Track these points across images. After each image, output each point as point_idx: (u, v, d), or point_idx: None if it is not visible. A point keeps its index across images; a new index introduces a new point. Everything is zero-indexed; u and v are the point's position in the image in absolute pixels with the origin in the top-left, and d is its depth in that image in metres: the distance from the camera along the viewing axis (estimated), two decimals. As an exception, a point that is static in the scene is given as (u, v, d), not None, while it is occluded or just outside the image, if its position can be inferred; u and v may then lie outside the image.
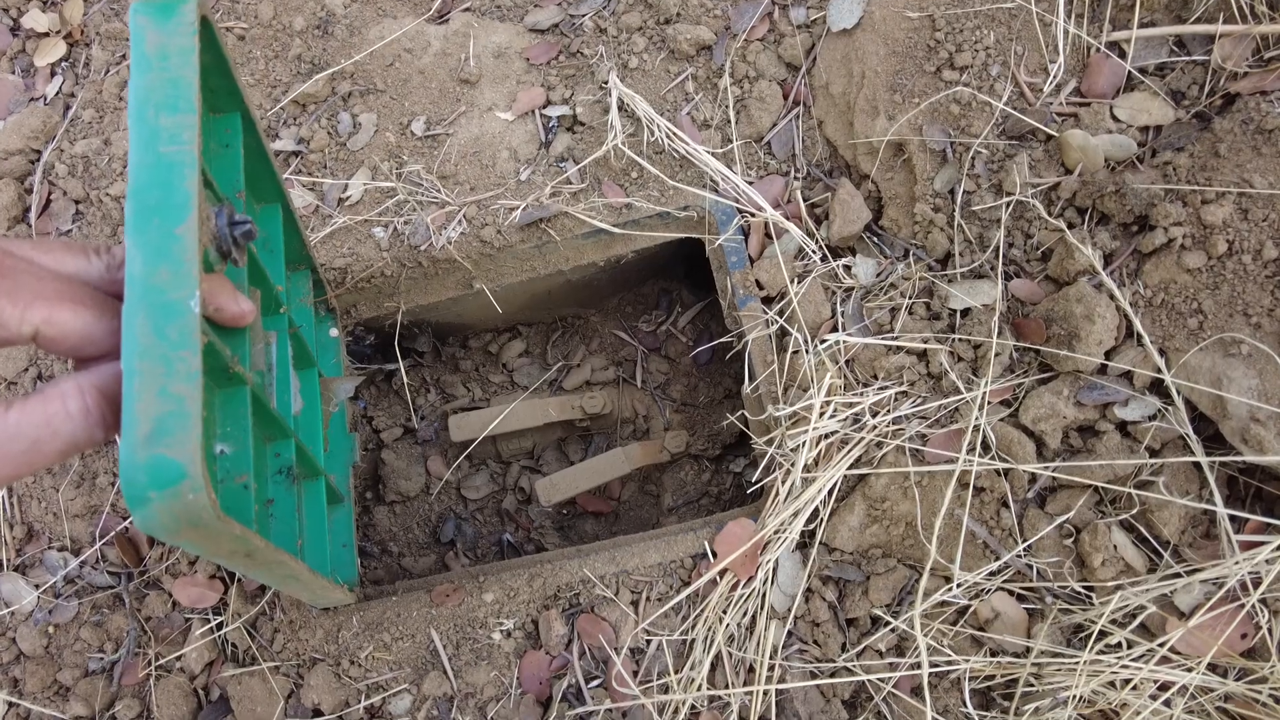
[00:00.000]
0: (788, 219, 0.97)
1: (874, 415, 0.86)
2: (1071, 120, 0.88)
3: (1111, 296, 0.79)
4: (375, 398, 1.31)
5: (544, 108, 1.08)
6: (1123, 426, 0.79)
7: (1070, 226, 0.84)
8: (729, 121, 1.03)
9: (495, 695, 0.89)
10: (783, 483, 0.87)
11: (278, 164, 1.14)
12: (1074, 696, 0.74)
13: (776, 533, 0.86)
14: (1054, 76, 0.90)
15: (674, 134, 1.01)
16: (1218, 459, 0.74)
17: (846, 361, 0.89)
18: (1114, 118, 0.87)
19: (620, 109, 1.03)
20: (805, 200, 0.98)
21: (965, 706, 0.79)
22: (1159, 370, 0.76)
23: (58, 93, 1.24)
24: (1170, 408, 0.76)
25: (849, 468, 0.85)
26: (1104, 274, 0.80)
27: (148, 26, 0.52)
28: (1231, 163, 0.78)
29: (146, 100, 0.50)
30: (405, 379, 1.21)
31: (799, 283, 0.93)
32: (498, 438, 1.26)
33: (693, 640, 0.87)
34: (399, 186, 1.07)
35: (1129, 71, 0.88)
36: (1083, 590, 0.77)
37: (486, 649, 0.90)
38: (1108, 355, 0.79)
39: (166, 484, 0.42)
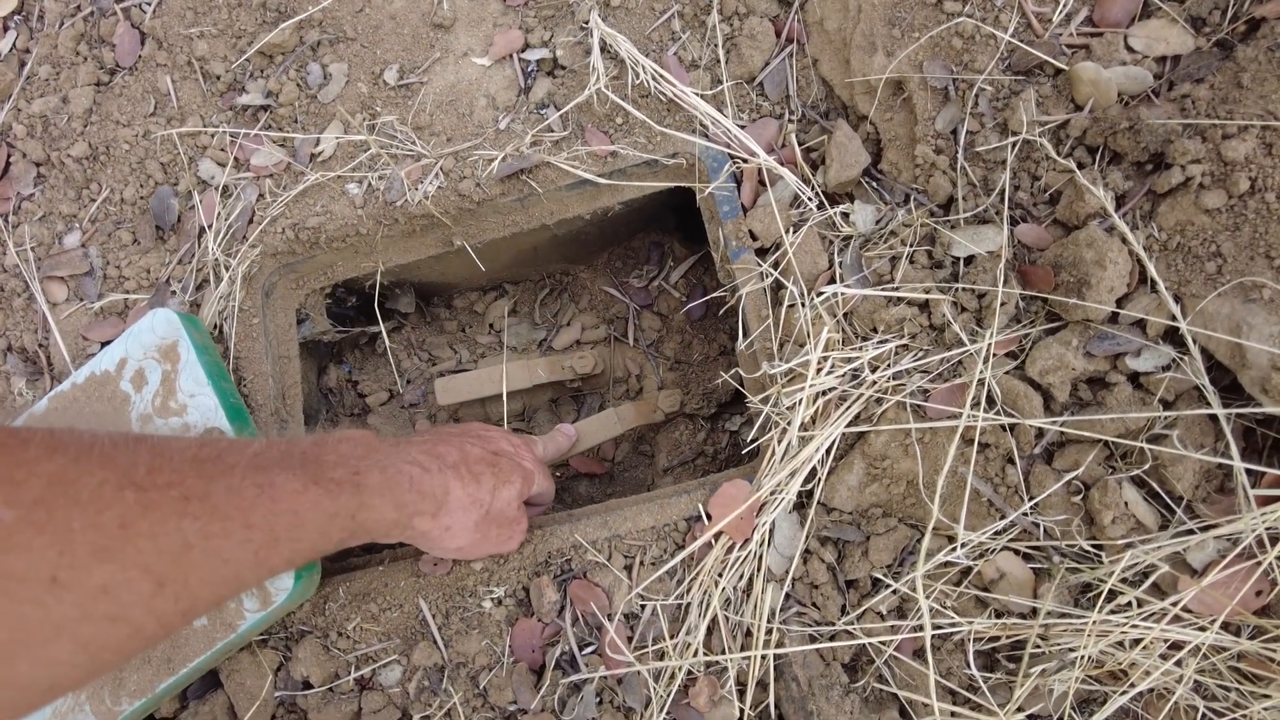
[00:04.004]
0: (782, 164, 0.92)
1: (873, 370, 0.82)
2: (1082, 52, 0.83)
3: (1124, 240, 0.75)
4: (359, 361, 1.27)
5: (522, 51, 1.02)
6: (1135, 378, 0.75)
7: (1080, 167, 0.79)
8: (718, 61, 0.97)
9: (487, 664, 0.87)
10: (779, 442, 0.84)
11: (246, 119, 1.08)
12: (1082, 657, 0.71)
13: (773, 493, 0.83)
14: (1064, 5, 0.84)
15: (660, 76, 0.95)
16: (1235, 410, 0.70)
17: (845, 314, 0.85)
18: (1128, 48, 0.81)
19: (603, 50, 0.97)
20: (800, 144, 0.93)
21: (969, 668, 0.76)
22: (1174, 318, 0.72)
23: (11, 48, 1.18)
24: (1185, 357, 0.72)
25: (847, 425, 0.82)
26: (1116, 216, 0.76)
27: None
28: (1255, 94, 0.73)
29: None
30: (388, 342, 1.17)
31: (794, 232, 0.89)
32: (486, 400, 1.22)
33: (688, 605, 0.84)
34: (372, 140, 1.01)
35: (1145, -3, 0.82)
36: (1092, 549, 0.74)
37: (477, 617, 0.88)
38: (1119, 303, 0.75)
39: None
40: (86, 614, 0.37)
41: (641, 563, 0.87)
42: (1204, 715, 0.71)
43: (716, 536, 0.84)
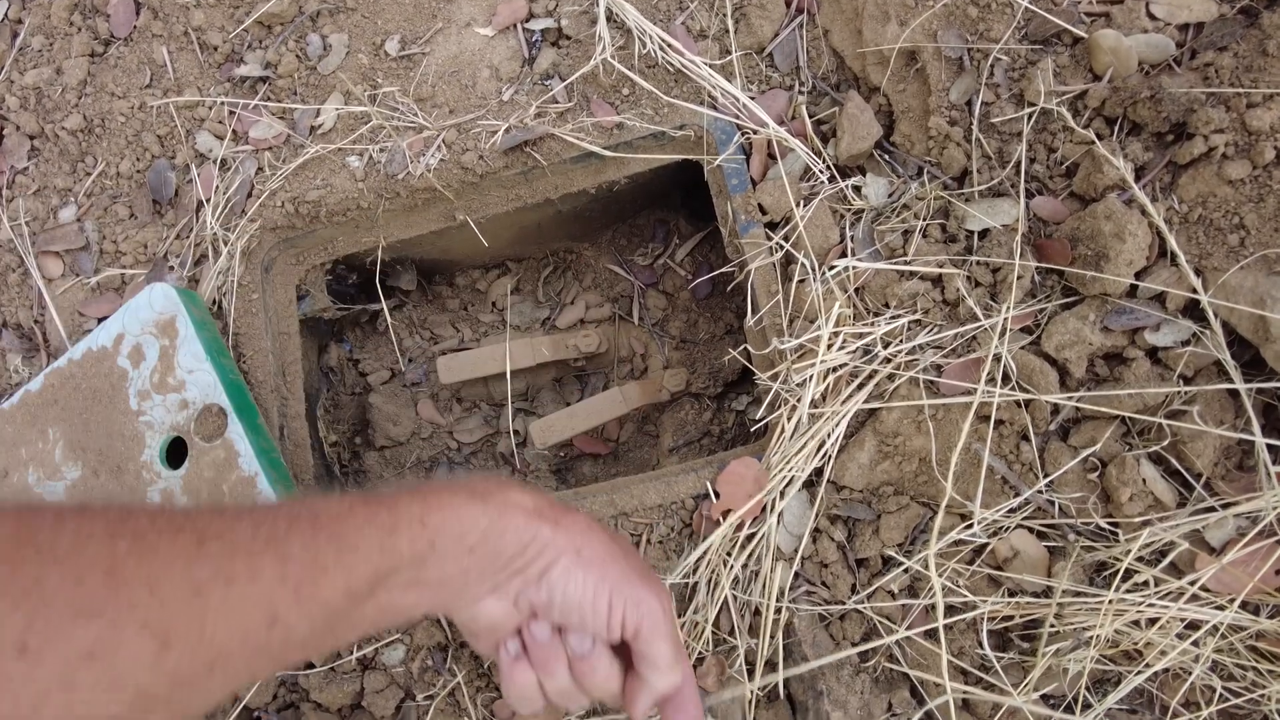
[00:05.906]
0: (792, 136, 0.90)
1: (886, 346, 0.80)
2: (1102, 20, 0.81)
3: (1143, 212, 0.73)
4: (360, 339, 1.25)
5: (526, 21, 0.99)
6: (1153, 353, 0.73)
7: (1099, 137, 0.78)
8: (727, 31, 0.95)
9: (492, 643, 0.86)
10: (788, 419, 0.82)
11: (244, 91, 1.06)
12: (1097, 637, 0.70)
13: (782, 471, 0.82)
14: (1083, -29, 0.82)
15: (668, 45, 0.93)
16: (1256, 385, 0.69)
17: (856, 289, 0.83)
18: (1150, 15, 0.79)
19: (609, 19, 0.95)
20: (811, 116, 0.91)
21: (982, 648, 0.75)
22: (1194, 291, 0.71)
23: (3, 19, 1.15)
24: (1206, 331, 0.71)
25: (859, 402, 0.80)
26: (1136, 188, 0.74)
27: None
28: (1281, 61, 0.71)
29: None
30: (390, 319, 1.16)
31: (805, 205, 0.87)
32: (489, 379, 1.21)
33: (696, 584, 0.83)
34: (373, 111, 0.99)
35: (1167, -37, 0.79)
36: (1108, 526, 0.73)
37: (481, 596, 0.87)
38: (1138, 276, 0.74)
39: None
40: (70, 683, 0.32)
41: (649, 541, 0.85)
42: (1221, 695, 0.70)
43: (725, 514, 0.83)
